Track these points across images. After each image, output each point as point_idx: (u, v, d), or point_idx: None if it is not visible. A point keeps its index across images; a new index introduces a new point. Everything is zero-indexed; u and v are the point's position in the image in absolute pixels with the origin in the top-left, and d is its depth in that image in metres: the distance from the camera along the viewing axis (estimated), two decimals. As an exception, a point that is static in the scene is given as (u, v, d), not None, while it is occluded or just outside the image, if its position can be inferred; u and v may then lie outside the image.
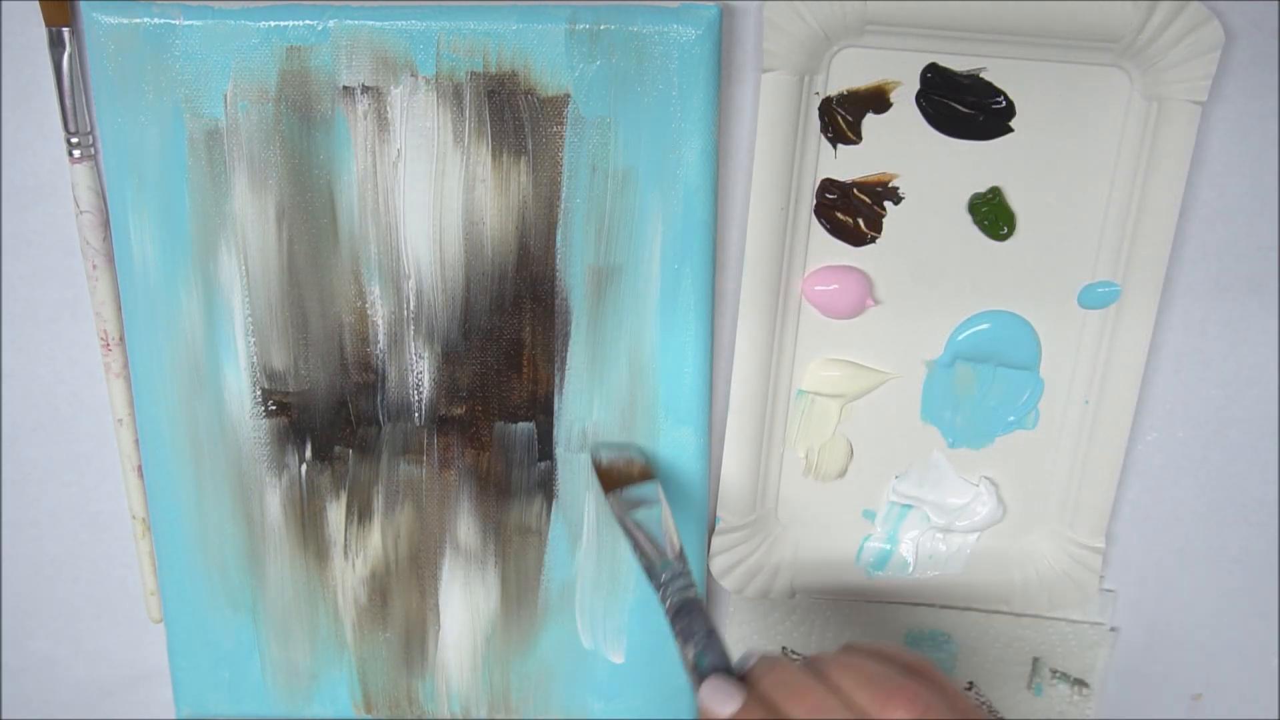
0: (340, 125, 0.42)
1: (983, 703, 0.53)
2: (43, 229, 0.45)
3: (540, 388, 0.45)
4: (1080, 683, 0.53)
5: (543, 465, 0.47)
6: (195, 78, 0.41)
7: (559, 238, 0.43)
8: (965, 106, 0.43)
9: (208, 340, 0.45)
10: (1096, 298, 0.46)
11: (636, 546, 0.41)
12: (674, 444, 0.46)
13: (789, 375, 0.47)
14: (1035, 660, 0.52)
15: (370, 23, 0.41)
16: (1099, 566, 0.49)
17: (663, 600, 0.39)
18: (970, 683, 0.53)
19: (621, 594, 0.48)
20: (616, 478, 0.44)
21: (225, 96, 0.41)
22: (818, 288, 0.45)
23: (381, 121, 0.42)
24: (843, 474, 0.49)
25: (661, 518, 0.42)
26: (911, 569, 0.50)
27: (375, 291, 0.44)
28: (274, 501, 0.47)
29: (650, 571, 0.40)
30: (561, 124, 0.42)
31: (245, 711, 0.50)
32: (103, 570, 0.51)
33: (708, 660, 0.36)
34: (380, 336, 0.45)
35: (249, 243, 0.43)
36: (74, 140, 0.43)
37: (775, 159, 0.43)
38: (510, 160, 0.42)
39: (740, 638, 0.51)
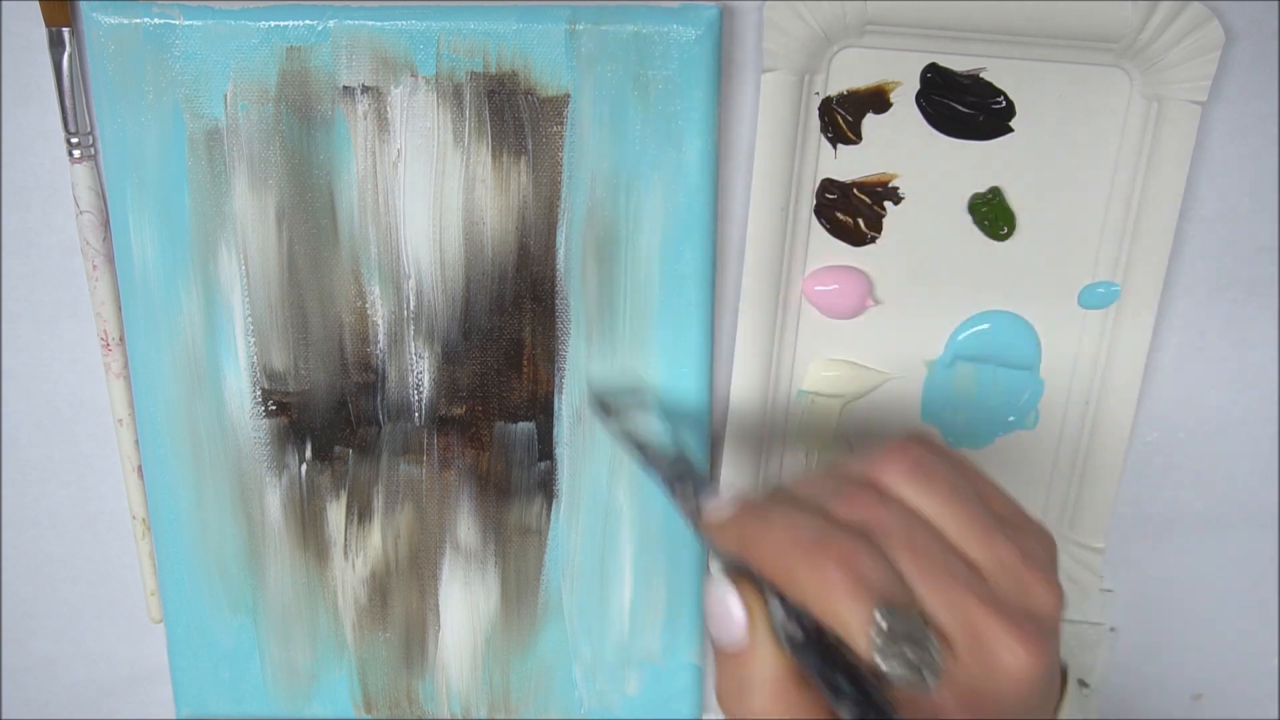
0: (340, 125, 0.42)
1: None
2: (43, 229, 0.45)
3: (540, 388, 0.45)
4: (1080, 683, 0.53)
5: (543, 465, 0.47)
6: (195, 78, 0.41)
7: (559, 238, 0.43)
8: (965, 106, 0.43)
9: (208, 340, 0.45)
10: (1096, 298, 0.46)
11: (637, 454, 0.40)
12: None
13: (789, 375, 0.47)
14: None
15: (370, 23, 0.41)
16: (1099, 566, 0.49)
17: (656, 475, 0.39)
18: None
19: (620, 594, 0.48)
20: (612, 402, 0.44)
21: (225, 96, 0.41)
22: (818, 288, 0.45)
23: (381, 121, 0.42)
24: (843, 474, 0.49)
25: (652, 420, 0.41)
26: (911, 569, 0.50)
27: (375, 291, 0.44)
28: (274, 501, 0.47)
29: (651, 470, 0.39)
30: (561, 124, 0.42)
31: (245, 711, 0.50)
32: (103, 570, 0.51)
33: (705, 492, 0.35)
34: (380, 336, 0.45)
35: (249, 243, 0.43)
36: (74, 140, 0.43)
37: (775, 159, 0.43)
38: (510, 160, 0.42)
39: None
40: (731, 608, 0.32)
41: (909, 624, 0.29)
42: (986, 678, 0.30)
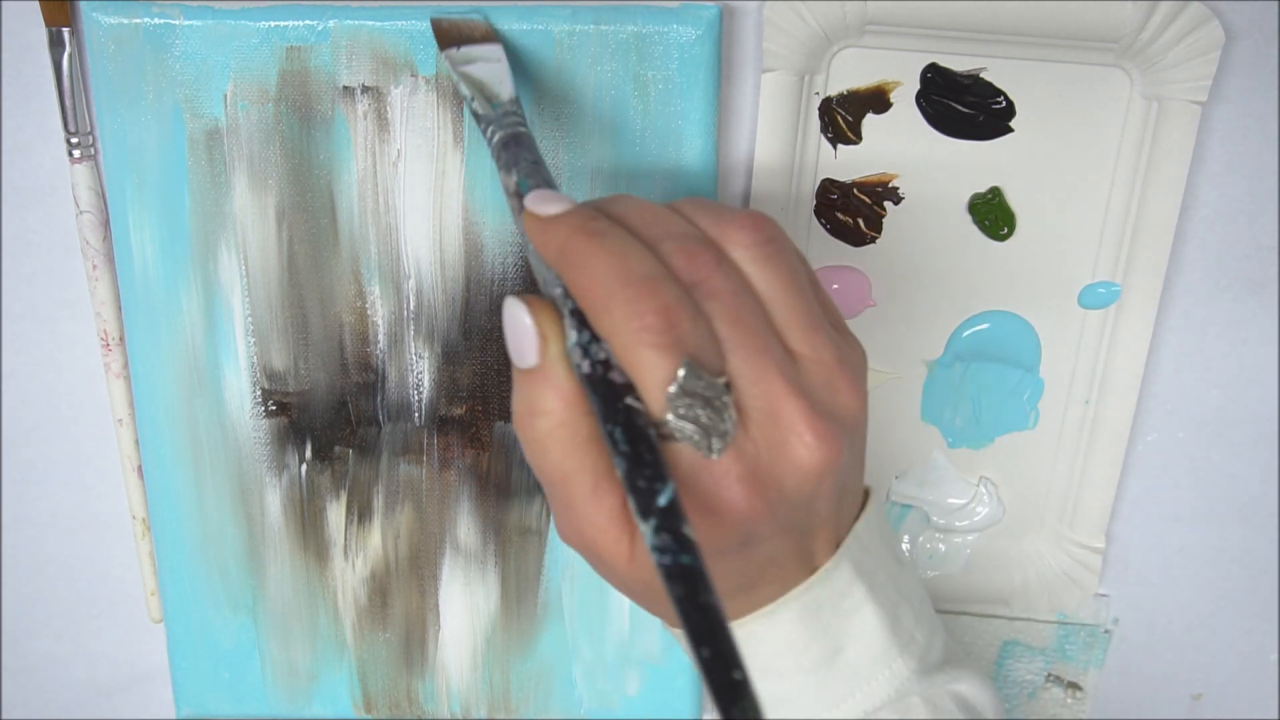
0: (340, 125, 0.42)
1: None
2: (43, 229, 0.45)
3: (540, 388, 0.45)
4: (1074, 685, 0.53)
5: (543, 465, 0.46)
6: (195, 78, 0.41)
7: (559, 238, 0.43)
8: (965, 106, 0.43)
9: (208, 340, 0.45)
10: (1096, 298, 0.46)
11: (469, 100, 0.36)
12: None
13: (789, 375, 0.47)
14: (1030, 663, 0.52)
15: (370, 23, 0.41)
16: (1099, 567, 0.49)
17: (489, 138, 0.35)
18: None
19: (620, 594, 0.48)
20: (455, 36, 0.39)
21: (225, 96, 0.41)
22: (818, 288, 0.45)
23: (381, 121, 0.42)
24: (843, 474, 0.49)
25: (499, 72, 0.37)
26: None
27: (375, 291, 0.44)
28: (274, 501, 0.47)
29: (479, 117, 0.36)
30: (562, 124, 0.42)
31: (245, 711, 0.50)
32: (103, 570, 0.51)
33: (533, 182, 0.32)
34: (380, 336, 0.45)
35: (249, 243, 0.43)
36: (74, 140, 0.43)
37: (775, 159, 0.43)
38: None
39: (740, 638, 0.51)
40: (525, 324, 0.31)
41: (709, 388, 0.29)
42: (773, 459, 0.30)
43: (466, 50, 0.38)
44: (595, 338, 0.30)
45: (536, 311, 0.31)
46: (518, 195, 0.32)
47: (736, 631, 0.31)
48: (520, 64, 0.41)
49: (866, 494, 0.36)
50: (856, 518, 0.34)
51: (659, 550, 0.27)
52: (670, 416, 0.29)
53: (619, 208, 0.32)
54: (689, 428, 0.29)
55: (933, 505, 0.49)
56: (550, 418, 0.31)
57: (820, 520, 0.32)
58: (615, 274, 0.29)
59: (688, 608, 0.27)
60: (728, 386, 0.30)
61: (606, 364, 0.30)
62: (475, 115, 0.36)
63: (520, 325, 0.31)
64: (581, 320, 0.30)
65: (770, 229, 0.32)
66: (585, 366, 0.30)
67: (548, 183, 0.32)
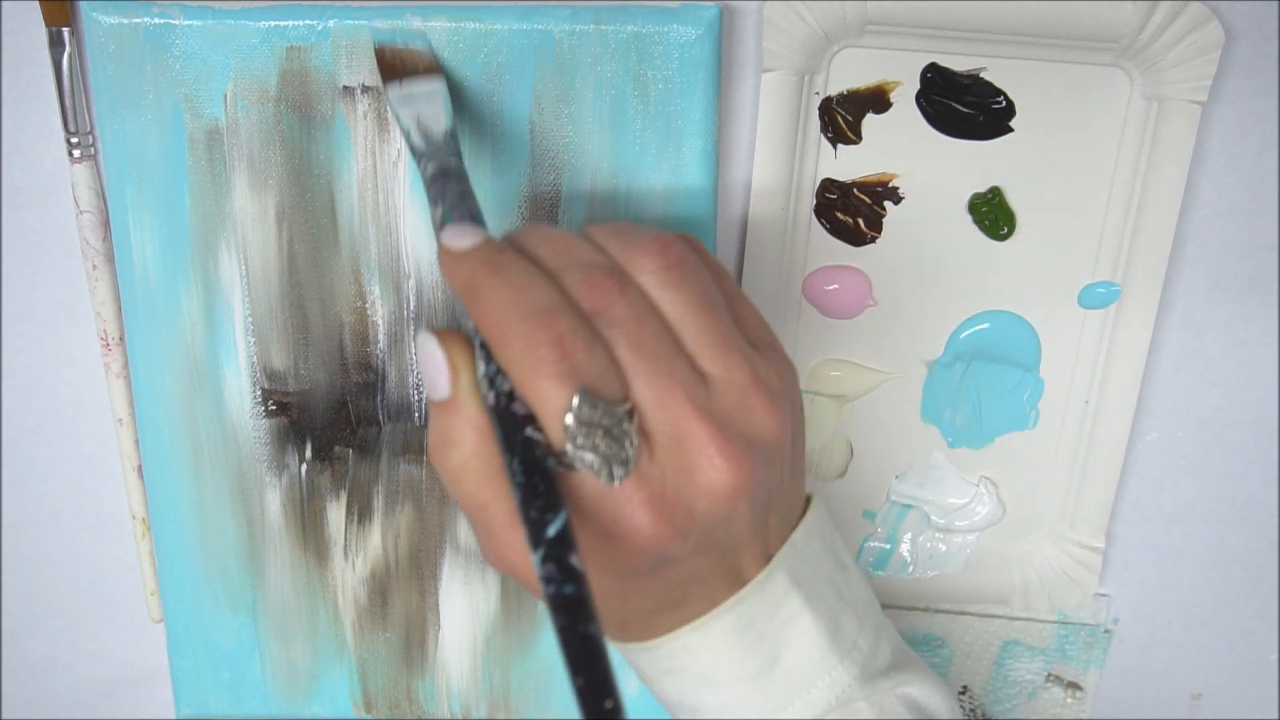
0: (340, 125, 0.42)
1: (975, 707, 0.53)
2: (43, 229, 0.45)
3: (540, 388, 0.45)
4: (1074, 685, 0.53)
5: (543, 465, 0.46)
6: (195, 78, 0.41)
7: (559, 238, 0.43)
8: (965, 106, 0.43)
9: (208, 340, 0.45)
10: (1096, 298, 0.46)
11: (407, 134, 0.37)
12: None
13: (789, 375, 0.47)
14: (1030, 663, 0.52)
15: (370, 23, 0.41)
16: (1099, 567, 0.49)
17: (423, 171, 0.35)
18: (965, 687, 0.53)
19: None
20: (399, 68, 0.39)
21: (225, 96, 0.41)
22: (818, 287, 0.45)
23: (381, 121, 0.42)
24: (843, 474, 0.49)
25: (438, 106, 0.38)
26: (911, 569, 0.50)
27: (375, 291, 0.44)
28: (274, 501, 0.47)
29: (415, 151, 0.36)
30: (562, 124, 0.42)
31: (245, 711, 0.50)
32: (103, 570, 0.51)
33: (455, 215, 0.32)
34: (380, 336, 0.45)
35: (249, 243, 0.43)
36: (74, 140, 0.43)
37: (775, 159, 0.43)
38: (510, 160, 0.42)
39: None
40: (437, 359, 0.31)
41: (607, 416, 0.29)
42: (681, 483, 0.30)
43: (409, 85, 0.38)
44: (500, 370, 0.30)
45: (448, 344, 0.31)
46: (440, 227, 0.32)
47: (669, 644, 0.32)
48: (518, 66, 0.41)
49: (808, 501, 0.36)
50: (796, 526, 0.34)
51: (545, 580, 0.28)
52: (569, 446, 0.29)
53: (529, 239, 0.32)
54: (588, 456, 0.30)
55: (933, 505, 0.49)
56: (462, 449, 0.31)
57: (743, 537, 0.32)
58: (513, 306, 0.30)
59: (568, 637, 0.27)
60: (630, 414, 0.30)
61: (510, 396, 0.30)
62: (411, 149, 0.36)
63: (432, 357, 0.31)
64: (488, 353, 0.31)
65: (677, 251, 0.32)
66: (491, 398, 0.30)
67: (473, 215, 0.32)
